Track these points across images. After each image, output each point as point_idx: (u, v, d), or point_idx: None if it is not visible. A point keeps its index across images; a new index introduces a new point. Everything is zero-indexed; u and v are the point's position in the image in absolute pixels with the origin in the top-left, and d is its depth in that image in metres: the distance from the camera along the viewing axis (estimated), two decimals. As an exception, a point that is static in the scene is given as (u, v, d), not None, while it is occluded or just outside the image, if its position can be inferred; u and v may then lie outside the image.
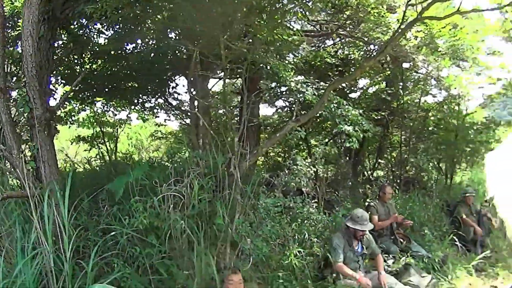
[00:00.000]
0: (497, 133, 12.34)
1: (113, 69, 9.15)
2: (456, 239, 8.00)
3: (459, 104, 11.42)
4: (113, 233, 5.11)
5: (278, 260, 5.69)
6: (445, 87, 11.16)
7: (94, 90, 9.94)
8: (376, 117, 10.05)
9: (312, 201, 7.02)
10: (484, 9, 8.71)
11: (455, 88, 11.02)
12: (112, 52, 8.53)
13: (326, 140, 10.49)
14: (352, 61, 9.98)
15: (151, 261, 4.95)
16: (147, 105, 11.37)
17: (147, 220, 4.99)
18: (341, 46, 10.50)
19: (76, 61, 9.10)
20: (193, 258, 4.86)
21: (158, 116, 12.47)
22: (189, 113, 9.48)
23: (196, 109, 6.34)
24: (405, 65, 10.89)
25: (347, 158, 11.11)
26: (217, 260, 5.06)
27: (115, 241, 5.15)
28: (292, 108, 7.37)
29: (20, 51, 6.38)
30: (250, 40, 6.21)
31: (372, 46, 9.97)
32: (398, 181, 11.12)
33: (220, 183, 5.45)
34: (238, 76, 8.03)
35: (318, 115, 6.74)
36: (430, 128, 12.10)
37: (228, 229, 5.20)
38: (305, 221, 6.60)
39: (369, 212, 6.45)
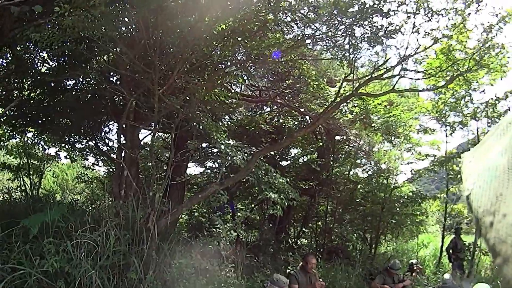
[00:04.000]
0: (423, 206, 12.83)
1: (50, 102, 8.91)
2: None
3: (387, 178, 11.85)
4: (21, 271, 4.79)
5: None
6: (375, 161, 11.58)
7: (28, 119, 9.56)
8: (304, 187, 10.21)
9: (230, 265, 6.93)
10: (419, 89, 9.27)
11: (384, 163, 11.45)
12: (52, 84, 8.33)
13: (252, 205, 10.51)
14: (286, 130, 10.17)
15: None
16: (77, 145, 11.10)
17: (58, 264, 4.75)
18: (277, 114, 10.72)
19: (16, 84, 8.83)
20: None
21: (87, 159, 12.18)
22: (115, 161, 9.34)
23: (123, 159, 6.22)
24: (338, 137, 11.23)
25: (271, 224, 11.14)
26: None
27: (23, 280, 4.81)
28: (220, 170, 7.44)
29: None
30: (187, 98, 6.24)
31: (307, 117, 10.22)
32: (322, 250, 11.22)
33: (137, 237, 5.29)
34: (168, 130, 8.02)
35: (245, 180, 6.77)
36: (357, 200, 12.42)
37: (140, 285, 5.00)
38: (222, 284, 6.47)
39: (289, 281, 6.41)
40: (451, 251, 12.07)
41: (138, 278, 4.99)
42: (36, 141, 11.33)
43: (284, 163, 11.52)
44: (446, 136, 12.70)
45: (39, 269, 4.78)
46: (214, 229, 6.72)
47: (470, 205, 0.86)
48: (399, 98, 10.43)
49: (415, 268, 11.22)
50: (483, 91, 10.69)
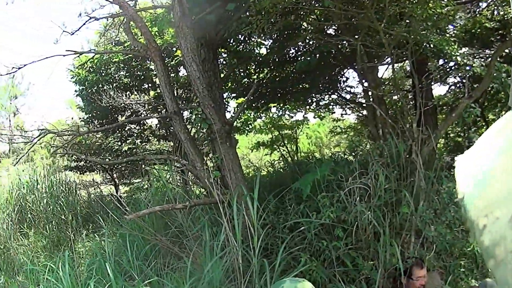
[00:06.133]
0: None
1: (281, 74, 9.47)
2: None
3: None
4: (300, 229, 5.33)
5: (460, 248, 5.50)
6: None
7: (267, 97, 10.43)
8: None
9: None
10: None
11: None
12: (276, 59, 8.83)
13: (503, 113, 9.67)
14: (510, 22, 9.12)
15: (337, 254, 5.05)
16: (321, 103, 11.72)
17: (334, 214, 5.13)
18: (495, 7, 9.63)
19: (242, 74, 9.61)
20: (378, 248, 4.87)
21: (334, 112, 12.74)
22: (364, 105, 9.52)
23: (371, 100, 6.37)
24: None
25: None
26: (401, 249, 4.97)
27: (302, 237, 5.37)
28: (463, 83, 7.07)
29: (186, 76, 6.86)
30: (407, 21, 6.07)
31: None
32: None
33: (403, 171, 5.40)
34: (405, 58, 7.85)
35: (490, 87, 6.35)
36: None
37: (413, 217, 5.10)
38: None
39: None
40: None
41: (410, 211, 5.09)
42: (281, 113, 12.24)
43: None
44: None
45: (316, 223, 5.24)
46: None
47: (464, 207, 0.73)
48: None
49: None
50: None
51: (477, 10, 9.91)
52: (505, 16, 9.16)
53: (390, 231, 5.00)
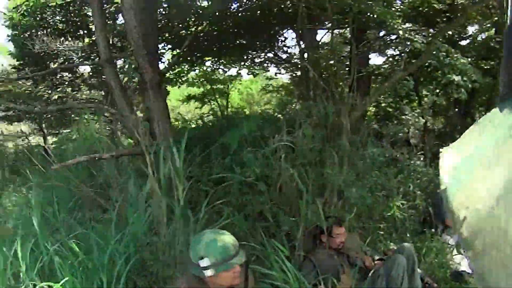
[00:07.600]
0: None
1: (220, 28, 9.27)
2: None
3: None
4: (224, 184, 5.24)
5: (380, 212, 5.61)
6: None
7: (202, 51, 10.18)
8: (485, 67, 9.28)
9: (419, 153, 6.81)
10: None
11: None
12: (217, 13, 8.62)
13: (437, 90, 9.83)
14: (459, 6, 9.25)
15: (259, 209, 5.03)
16: (256, 60, 11.60)
17: (258, 169, 5.06)
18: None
19: (180, 25, 9.33)
20: (301, 205, 4.77)
21: (269, 70, 12.75)
22: (299, 66, 9.50)
23: (306, 61, 6.35)
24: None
25: (456, 109, 10.42)
26: (323, 208, 4.99)
27: (226, 191, 5.27)
28: (402, 56, 7.16)
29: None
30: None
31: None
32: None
33: (330, 133, 5.41)
34: (346, 26, 7.83)
35: (427, 64, 6.44)
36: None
37: (336, 178, 5.14)
38: (411, 174, 6.42)
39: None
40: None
41: (334, 172, 5.11)
42: (215, 67, 11.98)
43: (463, 42, 10.56)
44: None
45: (239, 177, 5.15)
46: (403, 117, 6.62)
47: (446, 198, 0.72)
48: None
49: None
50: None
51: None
52: (455, 1, 9.25)
53: (313, 190, 4.96)
